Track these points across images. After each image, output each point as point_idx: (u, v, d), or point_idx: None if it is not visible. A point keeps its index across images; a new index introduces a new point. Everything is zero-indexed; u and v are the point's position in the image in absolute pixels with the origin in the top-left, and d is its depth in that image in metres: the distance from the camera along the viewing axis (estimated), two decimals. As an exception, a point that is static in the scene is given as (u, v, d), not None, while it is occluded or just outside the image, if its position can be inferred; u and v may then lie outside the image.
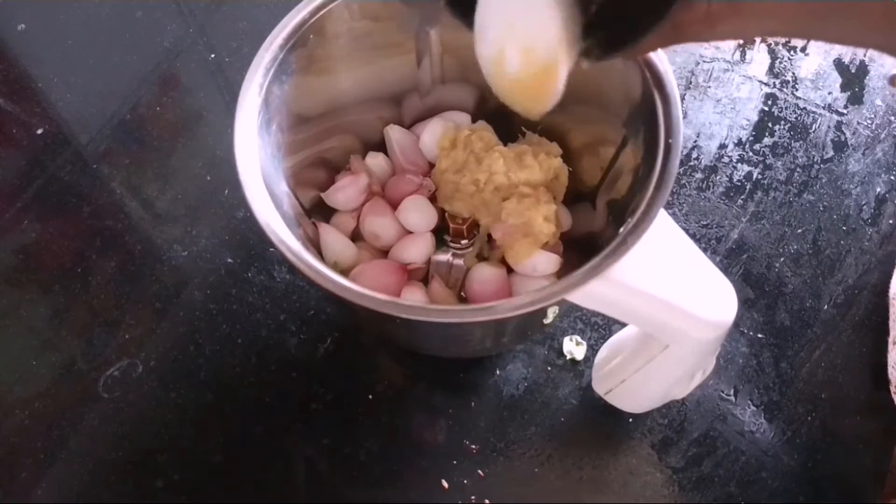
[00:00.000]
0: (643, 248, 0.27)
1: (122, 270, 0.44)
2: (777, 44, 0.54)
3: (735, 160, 0.48)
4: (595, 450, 0.39)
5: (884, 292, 0.43)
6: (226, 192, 0.47)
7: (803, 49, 0.53)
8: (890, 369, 0.40)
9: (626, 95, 0.33)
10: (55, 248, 0.45)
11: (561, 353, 0.41)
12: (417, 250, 0.38)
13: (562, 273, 0.37)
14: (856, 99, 0.51)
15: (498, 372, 0.41)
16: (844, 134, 0.49)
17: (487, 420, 0.40)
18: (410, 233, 0.39)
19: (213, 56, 0.53)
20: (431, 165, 0.41)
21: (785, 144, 0.49)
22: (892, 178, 0.48)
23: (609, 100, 0.35)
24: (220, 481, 0.38)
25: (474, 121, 0.42)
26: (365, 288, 0.27)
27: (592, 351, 0.41)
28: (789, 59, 0.53)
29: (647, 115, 0.31)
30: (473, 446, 0.39)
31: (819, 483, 0.38)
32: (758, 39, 0.54)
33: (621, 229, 0.28)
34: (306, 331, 0.42)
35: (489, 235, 0.39)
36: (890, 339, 0.41)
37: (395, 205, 0.39)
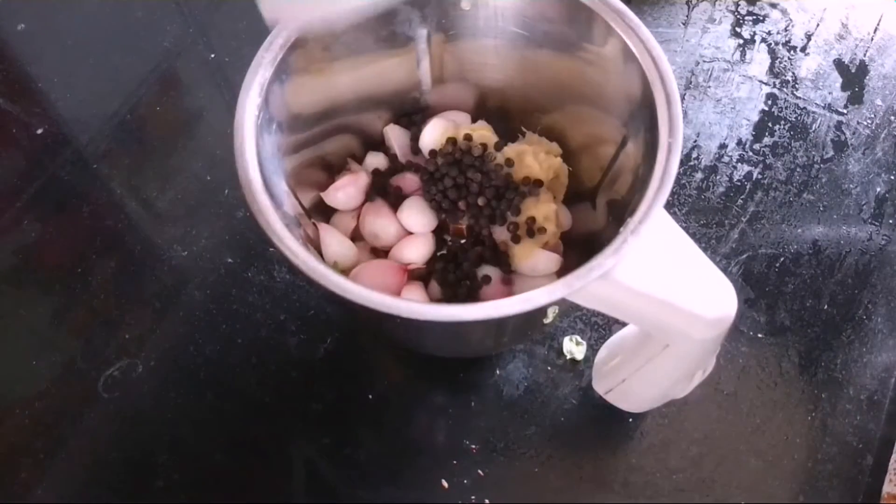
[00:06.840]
0: (643, 248, 0.27)
1: (122, 270, 0.44)
2: (777, 44, 0.54)
3: (735, 160, 0.48)
4: (595, 450, 0.39)
5: (884, 292, 0.43)
6: (226, 192, 0.47)
7: (803, 49, 0.53)
8: None
9: (626, 95, 0.33)
10: (55, 248, 0.45)
11: (561, 353, 0.41)
12: (417, 250, 0.38)
13: (562, 273, 0.37)
14: (856, 99, 0.51)
15: (498, 372, 0.41)
16: (844, 134, 0.49)
17: (487, 420, 0.40)
18: (410, 233, 0.39)
19: (213, 56, 0.53)
20: (431, 165, 0.41)
21: (785, 144, 0.49)
22: (892, 178, 0.48)
23: (609, 100, 0.35)
24: (220, 481, 0.38)
25: (474, 121, 0.42)
26: (365, 288, 0.27)
27: (592, 351, 0.41)
28: (789, 59, 0.53)
29: (647, 114, 0.31)
30: (473, 446, 0.39)
31: (819, 483, 0.38)
32: (758, 39, 0.54)
33: (621, 229, 0.28)
34: (306, 331, 0.42)
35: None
36: None
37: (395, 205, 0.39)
